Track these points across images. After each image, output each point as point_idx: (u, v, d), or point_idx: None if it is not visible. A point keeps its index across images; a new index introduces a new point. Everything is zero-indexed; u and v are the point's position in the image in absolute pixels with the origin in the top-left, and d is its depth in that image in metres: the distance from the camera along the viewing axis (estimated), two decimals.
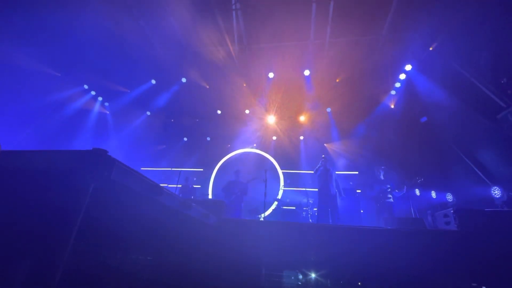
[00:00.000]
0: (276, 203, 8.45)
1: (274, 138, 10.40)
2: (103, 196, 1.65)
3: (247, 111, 9.74)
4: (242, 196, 6.41)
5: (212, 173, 9.98)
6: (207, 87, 8.97)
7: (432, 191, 7.09)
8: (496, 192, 5.31)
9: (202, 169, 9.88)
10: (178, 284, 2.91)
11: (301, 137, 10.18)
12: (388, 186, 6.02)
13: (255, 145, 10.52)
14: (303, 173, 9.76)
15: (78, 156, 1.42)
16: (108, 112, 9.84)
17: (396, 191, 5.95)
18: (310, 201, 7.65)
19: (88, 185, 1.36)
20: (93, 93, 9.28)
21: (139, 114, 9.83)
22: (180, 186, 7.55)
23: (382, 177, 6.19)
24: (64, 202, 1.28)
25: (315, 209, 7.56)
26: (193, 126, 10.23)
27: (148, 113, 9.89)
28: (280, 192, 9.29)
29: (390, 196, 5.87)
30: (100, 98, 9.53)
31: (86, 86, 8.97)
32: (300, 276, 3.54)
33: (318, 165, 5.84)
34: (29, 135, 7.49)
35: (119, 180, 1.54)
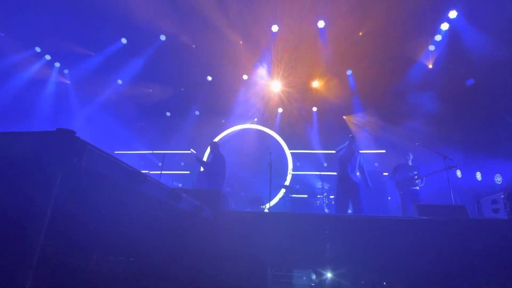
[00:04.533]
0: (283, 190, 8.61)
1: (280, 110, 10.33)
2: (74, 187, 1.65)
3: (245, 77, 9.60)
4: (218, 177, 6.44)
5: (204, 155, 10.07)
6: (193, 46, 8.76)
7: (477, 172, 7.16)
8: None
9: (190, 151, 9.92)
10: None
11: (314, 108, 10.10)
12: (415, 172, 6.19)
13: (256, 119, 10.53)
14: (317, 153, 9.82)
15: (40, 139, 1.39)
16: (69, 82, 9.70)
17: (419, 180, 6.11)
18: (326, 187, 7.80)
19: (54, 175, 1.34)
20: (47, 57, 9.07)
21: (109, 83, 9.68)
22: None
23: (410, 162, 6.37)
24: (27, 197, 1.29)
25: (332, 196, 7.75)
26: (178, 97, 10.13)
27: (120, 81, 9.76)
28: (289, 177, 9.45)
29: (416, 183, 6.08)
30: (57, 64, 9.33)
31: (38, 49, 8.76)
32: (314, 277, 3.65)
33: (343, 145, 5.88)
34: None
35: (91, 167, 1.53)
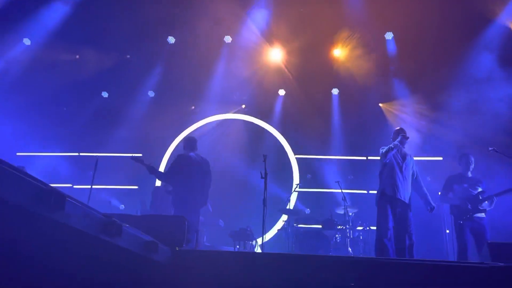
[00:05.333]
0: (285, 217, 8.58)
1: (282, 92, 10.36)
2: None
3: (227, 39, 9.60)
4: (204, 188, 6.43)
5: (161, 160, 9.98)
6: None
7: None
8: None
9: (140, 154, 9.84)
10: None
11: (335, 91, 10.14)
12: (479, 189, 6.17)
13: (244, 106, 10.51)
14: (338, 160, 9.82)
15: None
16: None
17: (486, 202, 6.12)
18: (351, 214, 7.80)
19: None
20: None
21: (9, 45, 9.52)
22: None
23: (469, 174, 6.36)
24: None
25: (360, 228, 7.77)
26: (121, 69, 10.04)
27: (27, 41, 9.62)
28: (293, 197, 9.41)
29: (482, 207, 6.05)
30: None
31: None
32: None
33: (392, 144, 5.88)
34: None
35: None
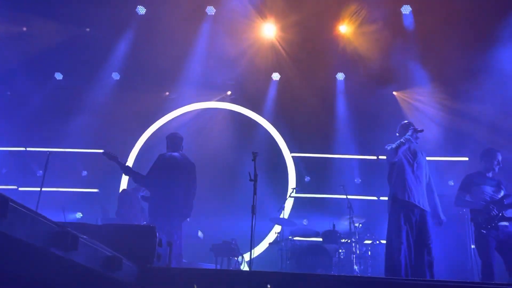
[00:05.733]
0: (278, 228, 8.60)
1: (276, 76, 10.38)
2: None
3: (210, 10, 9.59)
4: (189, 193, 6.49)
5: (128, 158, 9.91)
6: None
7: None
8: None
9: (101, 150, 9.81)
10: None
11: (340, 76, 10.17)
12: (502, 192, 6.23)
13: (229, 93, 10.51)
14: (342, 159, 9.87)
15: None
16: None
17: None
18: (357, 225, 7.82)
19: None
20: None
21: None
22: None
23: (490, 173, 6.38)
24: None
25: (368, 241, 7.81)
26: (78, 44, 9.95)
27: None
28: (288, 204, 9.40)
29: (507, 215, 6.06)
30: None
31: None
32: None
33: (402, 139, 5.87)
34: None
35: None
